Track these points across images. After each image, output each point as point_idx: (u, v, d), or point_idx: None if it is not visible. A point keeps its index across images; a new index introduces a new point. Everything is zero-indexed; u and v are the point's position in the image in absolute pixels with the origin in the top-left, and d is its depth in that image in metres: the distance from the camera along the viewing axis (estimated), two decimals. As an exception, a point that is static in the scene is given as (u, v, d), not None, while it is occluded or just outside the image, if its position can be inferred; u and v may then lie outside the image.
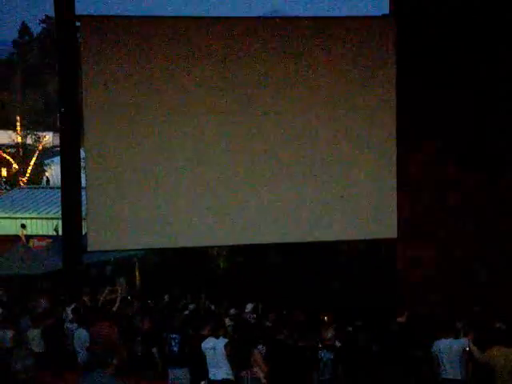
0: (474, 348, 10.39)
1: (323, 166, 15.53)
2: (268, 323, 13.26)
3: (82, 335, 11.92)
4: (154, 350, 12.08)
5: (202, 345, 10.69)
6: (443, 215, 15.44)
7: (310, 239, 16.02)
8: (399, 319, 12.11)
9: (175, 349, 11.34)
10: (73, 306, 13.42)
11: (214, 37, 15.19)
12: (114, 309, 13.18)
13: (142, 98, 15.00)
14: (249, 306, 15.00)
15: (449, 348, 10.73)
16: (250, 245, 17.04)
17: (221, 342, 10.56)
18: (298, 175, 15.50)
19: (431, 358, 10.99)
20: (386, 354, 11.27)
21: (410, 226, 15.60)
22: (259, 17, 16.02)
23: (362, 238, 16.48)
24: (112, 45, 14.92)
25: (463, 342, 10.73)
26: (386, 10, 16.16)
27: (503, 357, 9.77)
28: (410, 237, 15.58)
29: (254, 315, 14.42)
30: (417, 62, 15.23)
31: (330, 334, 11.87)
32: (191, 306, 14.61)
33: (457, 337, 10.92)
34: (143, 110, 15.02)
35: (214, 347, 10.59)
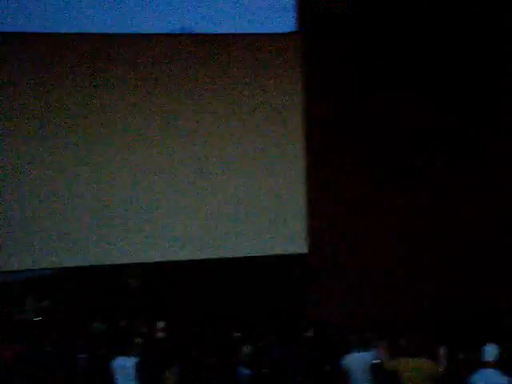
0: (386, 356, 10.50)
1: (231, 183, 15.55)
2: (181, 342, 13.17)
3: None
4: (62, 371, 11.84)
5: (112, 364, 10.55)
6: (353, 231, 15.57)
7: (218, 255, 16.02)
8: (309, 333, 12.21)
9: (84, 369, 11.17)
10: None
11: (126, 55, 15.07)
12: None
13: (52, 117, 14.80)
14: (160, 324, 14.84)
15: (359, 361, 10.82)
16: (162, 262, 16.92)
17: (131, 361, 10.44)
18: (207, 192, 15.48)
19: (342, 372, 11.06)
20: (300, 369, 11.32)
21: (320, 242, 15.69)
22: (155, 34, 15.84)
23: (273, 253, 16.52)
24: (14, 62, 14.67)
25: (373, 355, 10.83)
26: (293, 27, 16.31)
27: (407, 365, 9.89)
28: (320, 252, 15.67)
29: (164, 333, 14.28)
30: (325, 79, 15.38)
31: (247, 350, 11.88)
32: (101, 326, 14.39)
33: (367, 349, 11.01)
34: (55, 128, 14.83)
35: (124, 366, 10.46)
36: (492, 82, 15.55)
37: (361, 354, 10.85)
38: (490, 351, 9.18)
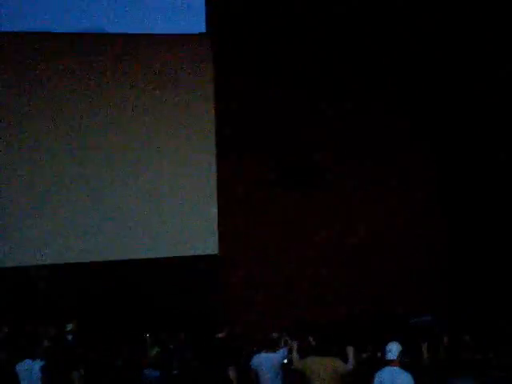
0: (295, 356, 10.58)
1: (146, 184, 15.48)
2: (89, 343, 13.04)
3: None
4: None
5: (17, 367, 10.38)
6: (264, 232, 15.66)
7: (130, 256, 15.93)
8: (220, 335, 12.20)
9: (-13, 372, 10.96)
10: None
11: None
12: None
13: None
14: (68, 326, 14.67)
15: (268, 361, 10.87)
16: (73, 263, 16.76)
17: (37, 364, 10.29)
18: (125, 194, 15.39)
19: (250, 371, 11.09)
20: (208, 371, 11.31)
21: (232, 243, 15.73)
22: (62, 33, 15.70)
23: (184, 254, 16.51)
24: None
25: (282, 354, 10.90)
26: (203, 28, 16.34)
27: (315, 364, 9.99)
28: (232, 254, 15.71)
29: (72, 336, 14.12)
30: (235, 80, 15.44)
31: (155, 351, 11.81)
32: (5, 329, 14.14)
33: (275, 350, 11.06)
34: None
35: (30, 369, 10.31)
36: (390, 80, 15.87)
37: (269, 353, 10.88)
38: (393, 349, 9.36)
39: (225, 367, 11.05)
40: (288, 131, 15.64)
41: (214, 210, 15.84)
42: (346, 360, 9.97)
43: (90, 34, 17.48)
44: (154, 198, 15.60)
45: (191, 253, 16.38)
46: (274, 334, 11.57)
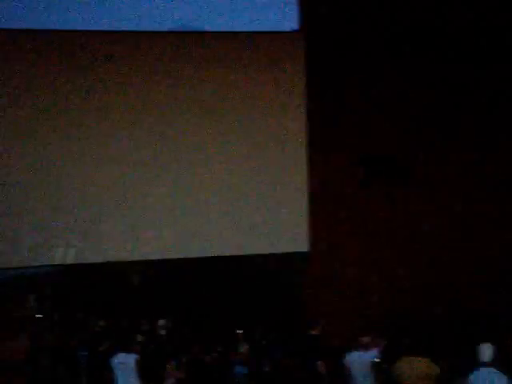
0: (385, 357, 10.54)
1: (233, 181, 15.55)
2: (180, 339, 13.21)
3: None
4: (62, 366, 11.90)
5: (112, 360, 10.59)
6: (355, 229, 15.57)
7: (222, 253, 16.02)
8: (313, 332, 12.20)
9: (84, 365, 11.22)
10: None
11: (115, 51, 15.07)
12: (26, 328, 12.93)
13: (34, 114, 14.79)
14: (160, 322, 14.90)
15: (359, 360, 10.84)
16: (164, 259, 16.95)
17: (131, 357, 10.47)
18: (213, 192, 15.48)
19: (343, 370, 11.07)
20: (299, 367, 11.33)
21: (322, 240, 15.68)
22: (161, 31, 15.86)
23: (274, 252, 16.52)
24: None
25: (372, 354, 10.85)
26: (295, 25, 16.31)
27: (406, 365, 9.89)
28: (322, 251, 15.66)
29: (165, 331, 14.34)
30: (327, 79, 15.39)
31: (243, 348, 11.88)
32: (101, 323, 14.44)
33: (367, 349, 11.02)
34: (36, 127, 14.80)
35: (125, 362, 10.50)
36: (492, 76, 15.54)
37: (361, 352, 10.87)
38: (487, 350, 9.23)
39: (315, 363, 11.07)
40: (378, 129, 15.49)
41: (305, 208, 15.81)
42: (437, 362, 9.87)
43: (180, 33, 17.68)
44: (246, 195, 15.64)
45: (282, 250, 16.40)
46: (365, 338, 11.47)
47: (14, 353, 10.89)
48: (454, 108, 15.58)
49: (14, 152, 14.68)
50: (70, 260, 15.19)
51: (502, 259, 15.30)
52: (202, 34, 16.82)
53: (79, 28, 17.39)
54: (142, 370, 10.43)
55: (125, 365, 10.48)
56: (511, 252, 15.27)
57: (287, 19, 17.62)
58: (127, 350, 10.62)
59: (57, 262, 15.69)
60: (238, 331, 13.50)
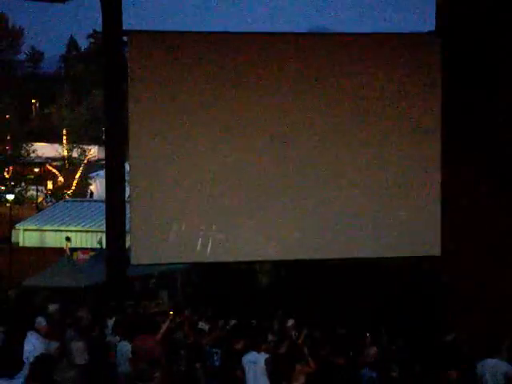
0: None
1: (360, 178, 15.43)
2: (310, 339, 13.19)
3: (124, 348, 11.95)
4: (197, 365, 12.07)
5: (243, 359, 10.70)
6: (486, 233, 15.22)
7: (350, 255, 15.95)
8: (448, 337, 12.00)
9: (217, 363, 11.36)
10: (115, 319, 13.48)
11: (265, 54, 15.16)
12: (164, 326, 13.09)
13: (191, 115, 15.05)
14: (290, 322, 14.94)
15: (494, 369, 10.58)
16: (293, 260, 17.01)
17: (262, 357, 10.55)
18: (336, 190, 15.41)
19: (475, 379, 10.83)
20: (429, 374, 11.14)
21: (455, 244, 15.42)
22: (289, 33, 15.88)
23: (404, 255, 16.34)
24: (160, 60, 14.91)
25: (507, 365, 10.56)
26: (432, 27, 16.07)
27: None
28: (454, 255, 15.39)
29: (295, 331, 14.36)
30: (464, 83, 15.10)
31: (372, 351, 11.78)
32: (233, 321, 14.62)
33: (502, 358, 10.73)
34: (191, 127, 15.04)
35: (255, 361, 10.59)
36: None
37: (495, 361, 10.60)
38: None
39: (446, 371, 10.87)
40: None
41: (438, 211, 15.58)
42: None
43: (311, 34, 17.75)
44: (378, 197, 15.52)
45: (412, 254, 16.22)
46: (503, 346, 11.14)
47: (151, 348, 11.13)
48: None
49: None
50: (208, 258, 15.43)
51: None
52: (332, 35, 16.85)
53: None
54: (273, 369, 10.50)
55: (255, 364, 10.60)
56: None
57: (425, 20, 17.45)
58: (258, 350, 10.72)
59: (193, 260, 15.97)
60: (366, 334, 13.39)
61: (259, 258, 17.13)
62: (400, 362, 11.64)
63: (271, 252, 15.59)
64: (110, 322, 13.44)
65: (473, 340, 12.49)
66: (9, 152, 50.15)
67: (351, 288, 18.32)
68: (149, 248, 15.10)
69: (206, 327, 14.27)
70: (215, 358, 11.41)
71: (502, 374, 10.46)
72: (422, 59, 15.36)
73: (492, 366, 10.58)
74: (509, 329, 13.26)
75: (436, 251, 15.62)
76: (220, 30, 16.13)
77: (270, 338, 12.88)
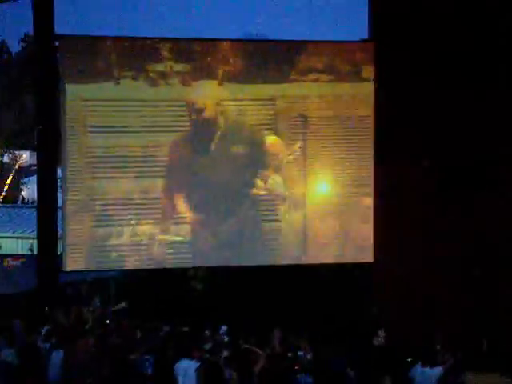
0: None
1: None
2: (244, 345, 13.17)
3: (56, 356, 11.77)
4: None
5: (175, 367, 10.64)
6: (420, 240, 15.39)
7: (285, 262, 16.10)
8: (376, 342, 12.07)
9: (149, 370, 11.27)
10: (47, 326, 13.29)
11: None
12: (87, 327, 13.06)
13: (124, 118, 15.03)
14: (222, 329, 14.93)
15: (423, 376, 10.64)
16: (229, 267, 17.07)
17: (193, 365, 10.50)
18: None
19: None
20: (362, 380, 11.19)
21: (386, 251, 15.56)
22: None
23: (338, 261, 16.49)
24: (91, 64, 14.90)
25: (438, 371, 10.64)
26: (365, 35, 16.32)
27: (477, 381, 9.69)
28: (387, 261, 15.53)
29: (228, 337, 14.34)
30: (395, 86, 15.29)
31: (308, 357, 11.82)
32: (166, 328, 14.51)
33: (433, 364, 10.81)
34: (124, 133, 15.05)
35: (186, 369, 10.53)
36: None
37: (427, 368, 10.67)
38: None
39: (381, 377, 10.93)
40: (448, 134, 15.27)
41: (371, 218, 15.77)
42: None
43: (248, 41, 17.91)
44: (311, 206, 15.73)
45: (345, 260, 16.38)
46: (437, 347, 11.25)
47: (80, 352, 11.01)
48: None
49: None
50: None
51: None
52: (269, 41, 16.96)
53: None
54: (203, 376, 10.45)
55: (186, 372, 10.54)
56: None
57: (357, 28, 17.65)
58: (190, 357, 10.67)
59: (127, 266, 15.93)
60: (301, 339, 13.46)
61: (186, 265, 17.22)
62: (335, 367, 11.68)
63: (209, 258, 15.74)
64: (43, 329, 13.25)
65: (405, 344, 12.59)
66: None
67: (286, 294, 18.34)
68: (81, 254, 15.04)
69: (139, 334, 14.13)
70: (147, 364, 11.30)
71: (434, 378, 10.55)
72: (357, 65, 15.61)
73: (422, 372, 10.65)
74: (441, 332, 13.46)
75: (368, 258, 15.82)
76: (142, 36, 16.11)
77: (207, 346, 12.82)
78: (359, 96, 15.80)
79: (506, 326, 14.49)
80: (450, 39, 15.12)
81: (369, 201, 15.85)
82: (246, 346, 12.58)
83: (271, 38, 23.81)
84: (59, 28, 15.59)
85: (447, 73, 15.14)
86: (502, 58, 15.08)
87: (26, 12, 16.05)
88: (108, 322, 14.43)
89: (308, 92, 15.68)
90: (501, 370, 9.81)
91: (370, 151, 15.80)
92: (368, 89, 15.72)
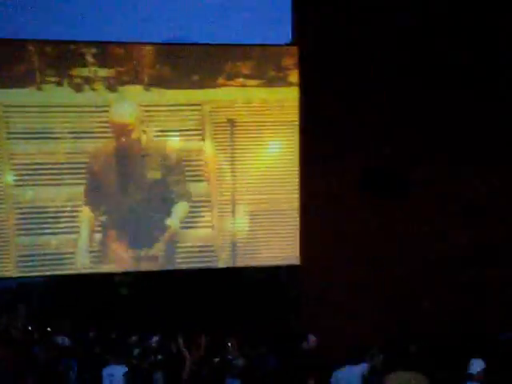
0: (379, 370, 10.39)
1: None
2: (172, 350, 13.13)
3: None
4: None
5: (103, 371, 10.57)
6: (347, 242, 15.50)
7: (208, 266, 16.10)
8: (305, 345, 12.10)
9: (73, 376, 11.17)
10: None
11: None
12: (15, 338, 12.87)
13: (47, 124, 14.89)
14: (154, 338, 14.84)
15: (348, 375, 10.67)
16: (154, 272, 16.97)
17: (120, 370, 10.44)
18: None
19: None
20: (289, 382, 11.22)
21: (314, 252, 15.63)
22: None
23: (264, 264, 16.54)
24: (9, 69, 14.67)
25: (361, 368, 10.70)
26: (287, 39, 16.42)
27: (399, 377, 9.72)
28: (314, 262, 15.60)
29: (156, 342, 14.30)
30: (321, 89, 15.41)
31: (238, 361, 11.83)
32: (91, 334, 14.40)
33: (356, 363, 10.85)
34: (48, 135, 14.89)
35: (113, 374, 10.47)
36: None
37: (350, 367, 10.72)
38: (475, 365, 9.27)
39: (305, 379, 10.99)
40: (372, 136, 15.45)
41: (297, 218, 15.85)
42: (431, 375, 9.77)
43: (177, 44, 17.81)
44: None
45: (272, 263, 16.43)
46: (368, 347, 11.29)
47: (5, 363, 10.84)
48: (459, 119, 15.49)
49: None
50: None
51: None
52: (192, 44, 16.92)
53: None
54: (130, 382, 10.41)
55: (112, 376, 10.46)
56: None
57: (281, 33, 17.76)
58: (117, 362, 10.58)
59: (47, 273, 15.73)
60: (228, 343, 13.46)
61: (125, 270, 17.07)
62: (263, 371, 11.72)
63: (134, 263, 15.62)
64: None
65: (335, 347, 12.62)
66: None
67: (211, 297, 18.33)
68: (4, 262, 14.80)
69: (66, 340, 13.98)
70: (71, 370, 11.20)
71: (356, 379, 10.59)
72: (281, 68, 15.70)
73: (346, 372, 10.68)
74: (374, 334, 13.61)
75: (295, 260, 15.89)
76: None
77: (135, 351, 12.76)
78: (287, 101, 15.88)
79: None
80: (375, 41, 15.31)
81: (296, 205, 15.90)
82: (175, 350, 12.56)
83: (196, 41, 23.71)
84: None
85: (377, 75, 15.32)
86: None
87: None
88: (31, 328, 14.23)
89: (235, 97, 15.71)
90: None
91: (296, 156, 15.88)
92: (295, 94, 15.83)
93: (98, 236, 15.22)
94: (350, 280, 15.22)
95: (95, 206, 15.22)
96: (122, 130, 15.24)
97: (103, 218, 15.24)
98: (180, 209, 15.51)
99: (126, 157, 15.37)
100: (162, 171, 15.52)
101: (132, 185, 15.41)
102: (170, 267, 15.93)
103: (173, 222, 15.40)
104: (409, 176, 15.31)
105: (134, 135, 15.26)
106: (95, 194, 15.28)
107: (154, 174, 15.42)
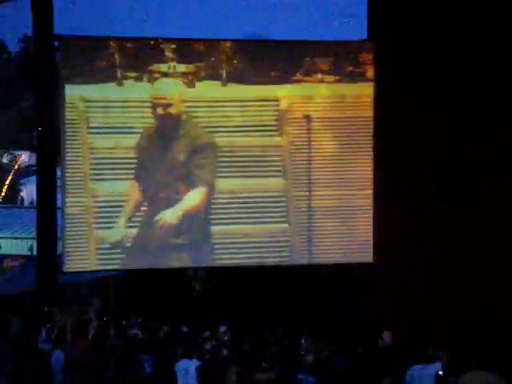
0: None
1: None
2: (245, 346, 13.17)
3: (58, 356, 11.75)
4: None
5: (175, 366, 10.64)
6: (419, 242, 15.34)
7: (283, 263, 16.13)
8: (381, 343, 12.04)
9: (148, 370, 11.27)
10: (47, 327, 13.26)
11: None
12: (92, 330, 12.99)
13: (126, 119, 15.06)
14: (222, 328, 14.90)
15: (423, 374, 10.60)
16: (228, 267, 17.06)
17: (193, 364, 10.50)
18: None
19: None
20: (363, 380, 11.17)
21: (386, 251, 15.55)
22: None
23: (337, 261, 16.50)
24: (91, 64, 14.90)
25: (435, 367, 10.59)
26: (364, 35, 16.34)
27: (476, 379, 9.59)
28: (387, 261, 15.52)
29: (227, 337, 14.32)
30: (396, 88, 15.28)
31: (311, 357, 11.79)
32: (165, 328, 14.50)
33: (428, 361, 10.76)
34: (124, 136, 15.09)
35: (187, 369, 10.53)
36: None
37: (424, 366, 10.64)
38: None
39: (380, 378, 10.92)
40: (446, 142, 15.23)
41: (370, 218, 15.81)
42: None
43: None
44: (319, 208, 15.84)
45: (345, 260, 16.38)
46: (429, 350, 11.19)
47: (80, 353, 11.00)
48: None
49: None
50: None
51: None
52: (273, 42, 17.00)
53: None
54: (203, 376, 10.47)
55: (187, 371, 10.54)
56: None
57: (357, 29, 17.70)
58: (190, 357, 10.66)
59: (126, 267, 15.95)
60: (301, 339, 13.45)
61: (195, 265, 17.20)
62: (336, 368, 11.67)
63: (208, 258, 15.75)
64: (43, 330, 13.22)
65: (406, 345, 12.53)
66: None
67: (284, 293, 18.33)
68: (80, 255, 15.02)
69: (140, 334, 14.12)
70: (146, 365, 11.30)
71: (430, 379, 10.49)
72: (357, 65, 15.65)
73: (419, 370, 10.60)
74: (445, 332, 13.46)
75: (368, 258, 15.85)
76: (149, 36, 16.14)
77: (208, 346, 12.81)
78: (363, 97, 15.83)
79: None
80: (451, 39, 15.06)
81: (370, 202, 15.86)
82: (247, 347, 12.62)
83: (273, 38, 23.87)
84: (60, 27, 15.65)
85: (450, 73, 15.07)
86: (503, 59, 14.98)
87: (26, 12, 16.11)
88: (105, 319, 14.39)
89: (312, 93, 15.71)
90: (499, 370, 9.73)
91: (371, 153, 15.82)
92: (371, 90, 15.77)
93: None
94: (426, 278, 15.09)
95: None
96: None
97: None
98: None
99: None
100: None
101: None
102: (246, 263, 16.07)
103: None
104: (485, 177, 15.01)
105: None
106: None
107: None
